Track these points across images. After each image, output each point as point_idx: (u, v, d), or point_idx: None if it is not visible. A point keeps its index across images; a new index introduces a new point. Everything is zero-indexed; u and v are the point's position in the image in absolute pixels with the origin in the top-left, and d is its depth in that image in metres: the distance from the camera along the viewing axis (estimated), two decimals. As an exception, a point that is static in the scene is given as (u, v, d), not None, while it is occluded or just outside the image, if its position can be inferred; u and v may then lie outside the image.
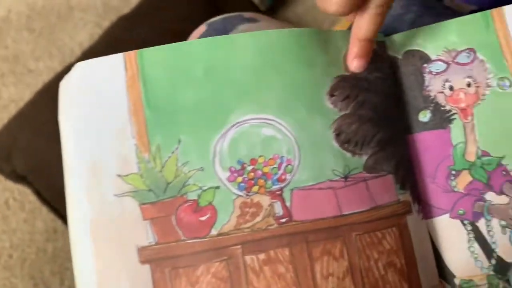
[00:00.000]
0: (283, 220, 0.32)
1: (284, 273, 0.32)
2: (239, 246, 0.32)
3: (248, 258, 0.32)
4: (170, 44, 0.33)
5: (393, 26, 0.38)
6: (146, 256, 0.31)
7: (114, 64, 0.33)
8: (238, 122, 0.33)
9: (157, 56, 0.33)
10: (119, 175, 0.32)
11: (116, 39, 0.75)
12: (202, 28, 0.45)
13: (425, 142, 0.37)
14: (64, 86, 0.34)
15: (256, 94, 0.33)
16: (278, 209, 0.32)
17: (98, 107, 0.32)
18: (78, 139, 0.32)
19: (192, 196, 0.32)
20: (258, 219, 0.32)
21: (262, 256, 0.32)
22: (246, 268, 0.31)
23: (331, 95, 0.35)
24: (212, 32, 0.44)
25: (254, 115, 0.33)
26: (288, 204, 0.33)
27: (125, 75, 0.33)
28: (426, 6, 0.43)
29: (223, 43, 0.34)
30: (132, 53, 0.33)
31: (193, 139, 0.32)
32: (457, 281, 0.35)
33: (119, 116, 0.32)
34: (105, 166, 0.32)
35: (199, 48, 0.33)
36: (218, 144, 0.33)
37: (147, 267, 0.31)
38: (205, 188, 0.32)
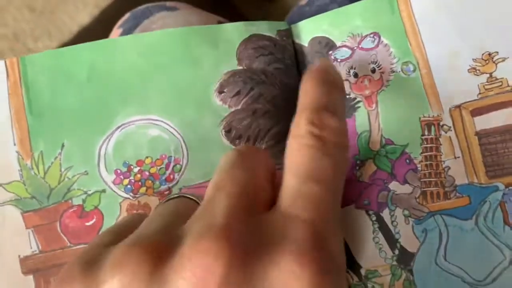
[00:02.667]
0: (172, 220, 0.32)
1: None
2: None
3: (136, 260, 0.31)
4: (53, 50, 0.32)
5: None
6: (29, 266, 0.30)
7: (-5, 71, 0.32)
8: (123, 124, 0.32)
9: (40, 62, 0.32)
10: (0, 184, 0.31)
11: (111, 19, 0.74)
12: (126, 15, 0.45)
13: (330, 131, 0.35)
14: None
15: (141, 96, 0.32)
16: (166, 209, 0.31)
17: (-20, 116, 0.32)
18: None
19: (77, 201, 0.31)
20: (145, 220, 0.31)
21: (150, 257, 0.31)
22: (135, 270, 0.31)
23: (220, 91, 0.33)
24: (131, 18, 0.42)
25: (139, 116, 0.32)
26: (176, 204, 0.32)
27: (6, 82, 0.32)
28: (352, -2, 0.41)
29: (106, 46, 0.32)
30: (14, 59, 0.32)
31: (77, 143, 0.31)
32: (363, 272, 0.34)
33: (0, 124, 0.32)
34: (-14, 176, 0.31)
35: (82, 53, 0.32)
36: (102, 147, 0.31)
37: (30, 278, 0.30)
38: (90, 192, 0.31)
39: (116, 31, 0.44)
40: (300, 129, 0.24)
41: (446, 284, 0.32)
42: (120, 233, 0.22)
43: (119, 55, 0.32)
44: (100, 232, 0.31)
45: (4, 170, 0.31)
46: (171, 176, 0.32)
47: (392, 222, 0.34)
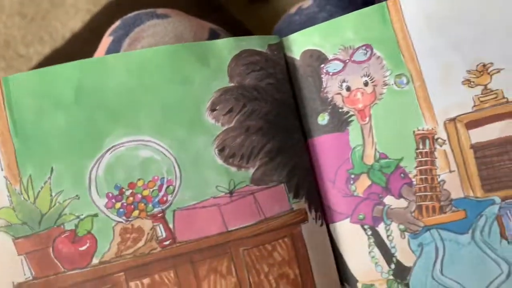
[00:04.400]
0: (167, 242, 0.30)
1: (169, 297, 0.30)
2: (122, 273, 0.29)
3: (132, 284, 0.29)
4: (38, 70, 0.30)
5: (307, 26, 0.35)
6: (24, 291, 0.28)
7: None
8: (114, 146, 0.30)
9: (24, 82, 0.30)
10: (-10, 210, 0.29)
11: (100, 26, 0.72)
12: (116, 22, 0.43)
13: (324, 145, 0.34)
14: None
15: (131, 116, 0.30)
16: (161, 232, 0.30)
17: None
18: None
19: (70, 226, 0.29)
20: (140, 244, 0.30)
21: (146, 280, 0.29)
22: (131, 295, 0.30)
23: (212, 109, 0.32)
24: (121, 26, 0.40)
25: (130, 137, 0.30)
26: (171, 225, 0.30)
27: (-11, 104, 0.30)
28: (340, 5, 0.39)
29: (94, 65, 0.30)
30: (-4, 80, 0.30)
31: (67, 167, 0.30)
32: (359, 285, 0.33)
33: (-13, 148, 0.30)
34: (-25, 202, 0.29)
35: (68, 72, 0.30)
36: (93, 170, 0.30)
37: (26, 303, 0.28)
38: (82, 217, 0.30)
39: (106, 39, 0.42)
40: None
41: (443, 299, 0.31)
42: None
43: (108, 74, 0.30)
44: (94, 257, 0.30)
45: (-8, 196, 0.29)
46: (164, 198, 0.30)
47: (388, 236, 0.33)
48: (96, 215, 0.29)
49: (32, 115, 0.30)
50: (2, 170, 0.29)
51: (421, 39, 0.33)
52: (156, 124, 0.30)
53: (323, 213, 0.34)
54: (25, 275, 0.29)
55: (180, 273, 0.30)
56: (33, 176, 0.29)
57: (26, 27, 0.89)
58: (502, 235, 0.31)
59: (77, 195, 0.29)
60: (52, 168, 0.29)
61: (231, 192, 0.31)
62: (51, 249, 0.29)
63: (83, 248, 0.29)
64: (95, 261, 0.29)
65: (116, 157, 0.30)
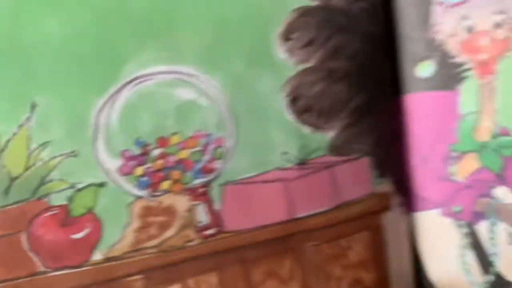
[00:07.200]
0: (210, 231, 0.21)
1: (208, 312, 0.21)
2: (139, 276, 0.20)
3: (155, 293, 0.21)
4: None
5: None
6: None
7: None
8: (138, 78, 0.20)
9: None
10: None
11: None
12: None
13: (422, 107, 0.26)
14: None
15: (167, 33, 0.20)
16: (202, 215, 0.21)
17: None
18: None
19: (58, 199, 0.19)
20: (170, 232, 0.21)
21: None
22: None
23: (286, 38, 0.22)
24: None
25: (163, 67, 0.20)
26: (217, 207, 0.21)
27: None
28: None
29: None
30: None
31: (59, 104, 0.19)
32: (436, 293, 0.27)
33: None
34: None
35: None
36: (102, 113, 0.20)
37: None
38: (80, 186, 0.19)
39: None
40: None
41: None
42: None
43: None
44: (96, 249, 0.20)
45: None
46: (211, 166, 0.21)
47: (490, 239, 0.26)
48: (102, 184, 0.20)
49: (9, 18, 0.18)
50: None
51: None
52: (203, 49, 0.21)
53: (408, 198, 0.26)
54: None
55: (225, 278, 0.21)
56: (3, 113, 0.18)
57: None
58: None
59: (73, 151, 0.19)
60: (33, 103, 0.19)
61: (302, 163, 0.22)
62: (25, 235, 0.19)
63: (79, 235, 0.19)
64: (97, 256, 0.20)
65: (140, 95, 0.20)
